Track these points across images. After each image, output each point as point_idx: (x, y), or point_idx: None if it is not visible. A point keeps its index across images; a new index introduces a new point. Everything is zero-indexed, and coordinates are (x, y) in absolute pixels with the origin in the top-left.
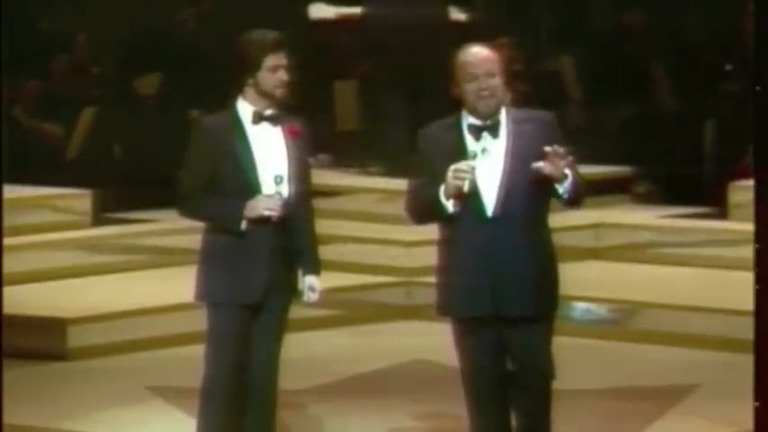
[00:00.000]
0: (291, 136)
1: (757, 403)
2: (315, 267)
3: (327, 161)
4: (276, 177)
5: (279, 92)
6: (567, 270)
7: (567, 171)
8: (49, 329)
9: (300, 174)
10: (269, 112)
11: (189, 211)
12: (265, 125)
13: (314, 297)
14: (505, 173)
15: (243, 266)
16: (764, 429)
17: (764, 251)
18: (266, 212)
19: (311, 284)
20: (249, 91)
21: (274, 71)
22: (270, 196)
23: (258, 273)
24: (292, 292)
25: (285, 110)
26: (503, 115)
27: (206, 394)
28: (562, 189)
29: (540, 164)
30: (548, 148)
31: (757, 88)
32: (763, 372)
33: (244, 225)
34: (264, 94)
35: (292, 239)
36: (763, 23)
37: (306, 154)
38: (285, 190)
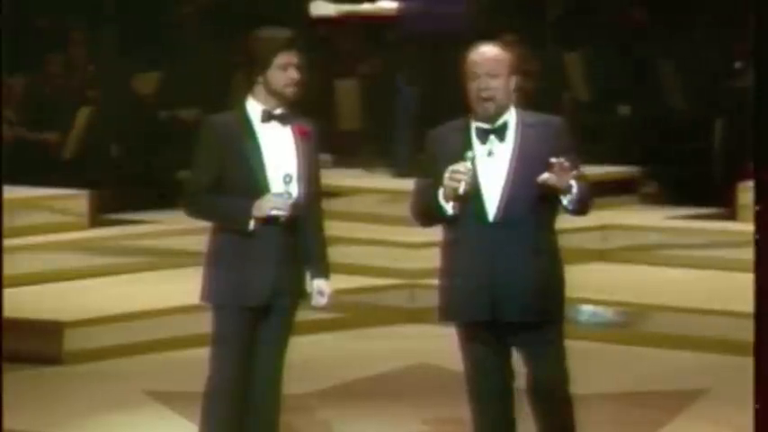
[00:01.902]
0: (301, 136)
1: (757, 405)
2: (324, 271)
3: (329, 161)
4: (285, 177)
5: (289, 90)
6: (573, 272)
7: (573, 182)
8: (45, 332)
9: (310, 174)
10: (278, 111)
11: (196, 211)
12: (275, 124)
13: (322, 301)
14: (509, 176)
15: (250, 268)
16: (764, 429)
17: (765, 251)
18: (274, 212)
19: (320, 288)
20: (259, 89)
21: (285, 69)
22: (278, 195)
23: (265, 274)
24: (300, 294)
25: (294, 109)
26: (511, 118)
27: (210, 396)
28: (566, 200)
29: (544, 176)
30: (553, 160)
31: (757, 91)
32: (763, 373)
33: (252, 225)
34: (274, 93)
35: (300, 241)
36: (763, 24)
37: (315, 155)
38: (294, 190)
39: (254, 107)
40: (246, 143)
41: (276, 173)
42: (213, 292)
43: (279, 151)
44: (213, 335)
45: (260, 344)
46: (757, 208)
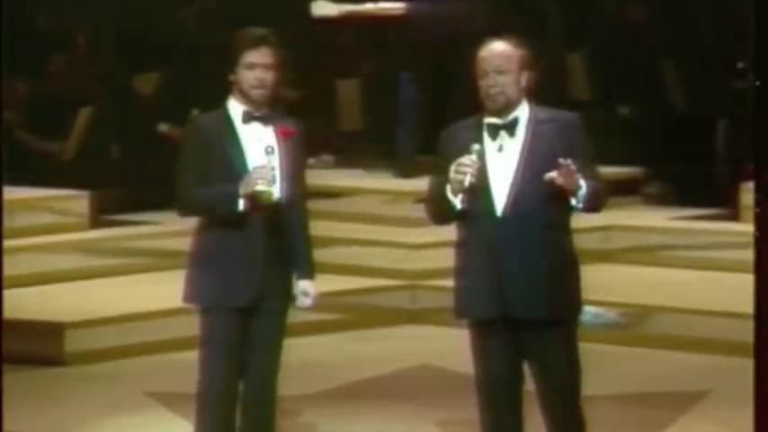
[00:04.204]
0: (283, 136)
1: (757, 404)
2: (308, 272)
3: (330, 162)
4: (267, 148)
5: (255, 92)
6: None
7: (581, 182)
8: (46, 334)
9: (293, 174)
10: (259, 113)
11: (187, 207)
12: (256, 125)
13: (307, 302)
14: (518, 172)
15: (234, 268)
16: (764, 430)
17: (765, 252)
18: (260, 186)
19: (304, 289)
20: (236, 89)
21: (251, 69)
22: (261, 167)
23: (250, 275)
24: (288, 295)
25: (277, 110)
26: (523, 114)
27: (201, 398)
28: (575, 200)
29: (551, 175)
30: (561, 161)
31: (757, 83)
32: (762, 374)
33: (242, 205)
34: (243, 93)
35: (286, 241)
36: (763, 24)
37: (300, 155)
38: (275, 162)
39: (234, 107)
40: (228, 143)
41: None
42: (198, 295)
43: (261, 151)
44: (201, 337)
45: (254, 346)
46: (757, 209)
